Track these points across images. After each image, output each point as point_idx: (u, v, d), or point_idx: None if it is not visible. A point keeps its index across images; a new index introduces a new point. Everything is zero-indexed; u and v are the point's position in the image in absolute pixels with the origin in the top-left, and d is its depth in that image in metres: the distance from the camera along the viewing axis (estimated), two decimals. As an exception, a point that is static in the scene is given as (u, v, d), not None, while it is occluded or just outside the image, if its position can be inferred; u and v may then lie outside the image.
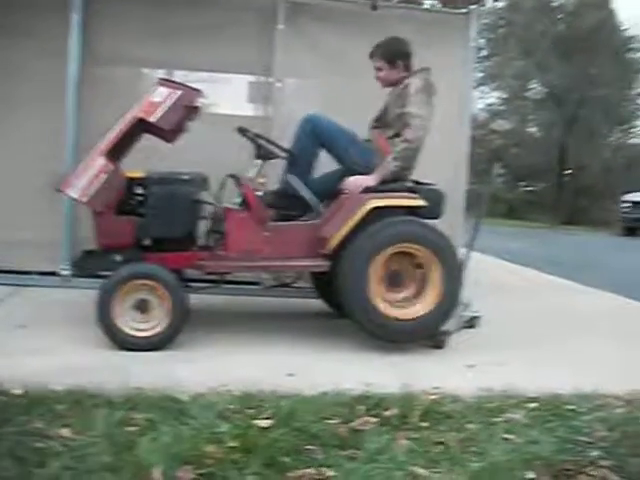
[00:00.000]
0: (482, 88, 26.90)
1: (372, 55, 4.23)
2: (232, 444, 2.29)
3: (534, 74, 26.87)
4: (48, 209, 4.84)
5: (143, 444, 2.25)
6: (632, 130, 27.91)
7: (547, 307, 5.64)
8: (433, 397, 2.94)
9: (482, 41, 24.89)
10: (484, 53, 26.30)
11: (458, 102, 5.32)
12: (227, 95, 5.35)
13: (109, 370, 3.04)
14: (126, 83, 5.17)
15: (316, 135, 4.13)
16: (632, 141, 27.46)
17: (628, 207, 17.81)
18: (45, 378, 2.79)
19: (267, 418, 2.55)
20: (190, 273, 4.09)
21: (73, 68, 4.90)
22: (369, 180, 3.93)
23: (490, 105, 28.42)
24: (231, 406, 2.66)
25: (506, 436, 2.56)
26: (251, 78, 5.45)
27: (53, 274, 4.97)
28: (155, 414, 2.52)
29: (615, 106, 25.32)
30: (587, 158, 24.27)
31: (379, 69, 4.21)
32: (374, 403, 2.79)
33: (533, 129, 28.77)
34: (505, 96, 28.53)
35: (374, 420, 2.63)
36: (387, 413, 2.70)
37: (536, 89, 28.31)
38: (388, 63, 4.18)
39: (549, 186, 26.38)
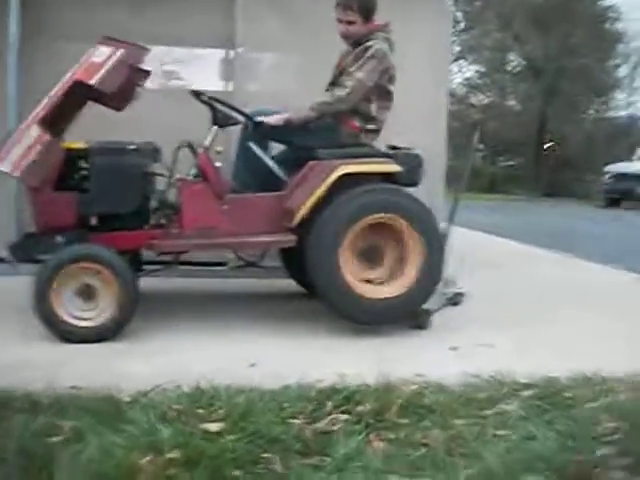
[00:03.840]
0: (460, 62, 26.80)
1: (344, 7, 3.77)
2: (172, 455, 1.93)
3: (512, 46, 26.77)
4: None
5: (62, 460, 1.87)
6: (611, 102, 27.99)
7: (534, 281, 5.39)
8: (414, 387, 2.62)
9: (459, 14, 24.73)
10: (461, 26, 26.11)
11: (435, 75, 5.11)
12: (187, 68, 5.10)
13: (44, 367, 2.72)
14: (78, 55, 4.81)
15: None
16: (612, 113, 27.53)
17: (610, 178, 18.03)
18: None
19: (218, 420, 2.20)
20: (144, 255, 3.81)
21: (13, 36, 4.56)
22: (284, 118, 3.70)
23: (468, 79, 28.34)
24: (178, 406, 2.32)
25: (499, 432, 2.24)
26: (212, 50, 5.16)
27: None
28: (85, 420, 2.16)
29: (594, 77, 25.36)
30: (567, 130, 24.40)
31: (350, 22, 3.77)
32: (345, 397, 2.46)
33: (512, 102, 28.70)
34: (483, 70, 28.46)
35: (344, 417, 2.30)
36: (360, 408, 2.38)
37: (515, 61, 28.24)
38: (364, 18, 3.77)
39: (530, 159, 26.46)
